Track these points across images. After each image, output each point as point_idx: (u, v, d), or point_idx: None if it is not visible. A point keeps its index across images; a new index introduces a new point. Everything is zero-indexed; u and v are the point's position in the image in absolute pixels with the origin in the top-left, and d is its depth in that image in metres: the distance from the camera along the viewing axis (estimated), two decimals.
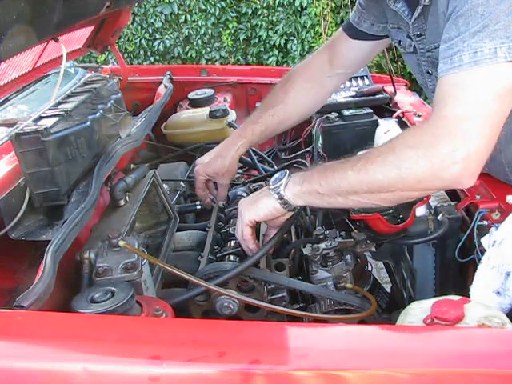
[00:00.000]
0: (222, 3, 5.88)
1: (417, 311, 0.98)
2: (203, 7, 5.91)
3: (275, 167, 2.16)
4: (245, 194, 1.68)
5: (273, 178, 1.23)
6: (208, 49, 6.12)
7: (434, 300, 0.97)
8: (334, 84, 1.65)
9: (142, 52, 6.28)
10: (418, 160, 1.02)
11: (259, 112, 1.62)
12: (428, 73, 1.37)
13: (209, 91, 2.34)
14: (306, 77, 1.62)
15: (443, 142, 1.01)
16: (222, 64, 5.86)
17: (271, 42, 5.75)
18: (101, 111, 1.46)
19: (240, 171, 2.19)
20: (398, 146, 1.07)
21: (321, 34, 5.28)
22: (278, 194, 1.20)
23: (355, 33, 1.54)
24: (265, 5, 5.69)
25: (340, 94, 2.19)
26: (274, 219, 1.25)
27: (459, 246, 1.26)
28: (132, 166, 1.76)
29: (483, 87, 1.01)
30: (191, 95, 2.33)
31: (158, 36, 6.16)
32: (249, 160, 2.14)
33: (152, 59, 6.28)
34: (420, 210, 1.28)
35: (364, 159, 1.11)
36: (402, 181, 1.05)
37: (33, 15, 1.14)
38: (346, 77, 1.70)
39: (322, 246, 1.34)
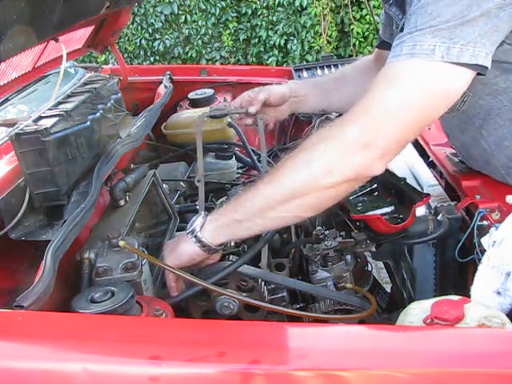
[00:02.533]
0: (222, 3, 5.88)
1: (417, 311, 0.98)
2: (203, 7, 5.91)
3: None
4: None
5: (190, 224, 1.16)
6: (208, 49, 6.12)
7: (433, 300, 0.97)
8: None
9: (142, 52, 6.28)
10: (327, 150, 1.00)
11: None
12: None
13: (209, 91, 2.33)
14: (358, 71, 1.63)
15: (351, 126, 0.99)
16: (222, 64, 5.86)
17: (271, 42, 5.75)
18: (101, 111, 1.46)
19: (240, 171, 2.19)
20: (309, 143, 1.04)
21: (321, 34, 5.27)
22: (195, 237, 1.13)
23: (381, 43, 1.55)
24: (265, 5, 5.69)
25: None
26: (202, 261, 1.20)
27: (459, 246, 1.26)
28: (132, 165, 1.76)
29: (412, 80, 0.99)
30: (191, 95, 2.33)
31: (158, 36, 6.16)
32: (249, 160, 2.14)
33: (152, 59, 6.28)
34: (420, 210, 1.28)
35: (273, 169, 1.08)
36: (314, 177, 1.01)
37: (33, 15, 1.14)
38: None
39: (322, 246, 1.34)
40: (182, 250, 1.16)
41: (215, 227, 1.13)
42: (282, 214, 1.06)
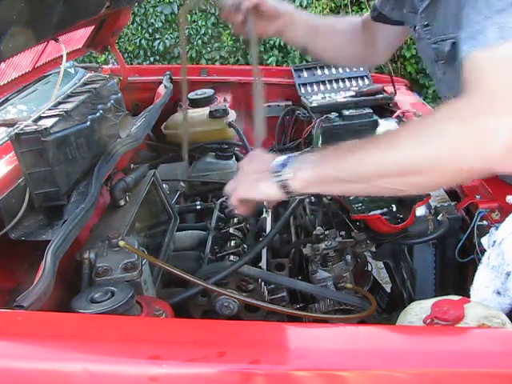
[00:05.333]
0: None
1: (417, 311, 0.98)
2: (203, 7, 5.91)
3: None
4: None
5: (275, 163, 1.07)
6: (208, 49, 6.12)
7: (433, 300, 0.97)
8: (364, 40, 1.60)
9: (141, 52, 6.28)
10: (460, 133, 0.91)
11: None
12: (436, 61, 1.32)
13: (209, 91, 2.33)
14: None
15: (486, 116, 0.91)
16: (222, 64, 5.86)
17: (271, 42, 5.75)
18: (101, 111, 1.46)
19: None
20: (434, 121, 0.95)
21: None
22: (280, 182, 1.05)
23: (377, 15, 1.52)
24: None
25: (340, 94, 2.19)
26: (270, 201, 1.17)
27: (459, 246, 1.26)
28: (132, 165, 1.76)
29: None
30: (191, 95, 2.33)
31: (158, 36, 6.15)
32: None
33: (152, 59, 6.28)
34: (420, 210, 1.28)
35: (390, 137, 0.99)
36: (439, 158, 0.92)
37: (33, 15, 1.14)
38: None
39: (322, 246, 1.34)
40: (261, 189, 1.09)
41: (308, 178, 1.04)
42: (390, 185, 0.98)
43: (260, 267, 1.30)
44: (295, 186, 1.05)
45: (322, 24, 1.61)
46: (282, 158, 1.08)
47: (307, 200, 1.63)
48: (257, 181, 1.10)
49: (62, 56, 1.44)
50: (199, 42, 6.05)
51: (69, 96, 1.49)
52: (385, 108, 2.10)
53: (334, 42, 1.58)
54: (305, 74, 2.38)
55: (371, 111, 1.99)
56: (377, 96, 2.10)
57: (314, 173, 1.03)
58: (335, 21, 1.66)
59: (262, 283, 1.27)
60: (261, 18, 1.44)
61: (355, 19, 1.64)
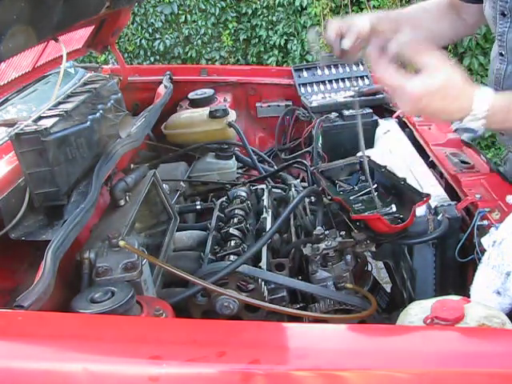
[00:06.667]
0: (222, 3, 5.87)
1: (417, 311, 0.98)
2: (203, 7, 5.90)
3: (275, 167, 2.16)
4: (244, 194, 1.68)
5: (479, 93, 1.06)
6: (208, 49, 6.11)
7: (433, 300, 0.97)
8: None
9: (142, 52, 6.27)
10: None
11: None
12: (502, 14, 1.32)
13: (209, 91, 2.34)
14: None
15: None
16: (222, 64, 5.86)
17: (271, 42, 5.75)
18: (101, 111, 1.46)
19: (240, 171, 2.20)
20: None
21: (321, 34, 5.28)
22: (474, 116, 1.06)
23: None
24: (265, 5, 5.69)
25: (340, 94, 2.19)
26: None
27: (459, 246, 1.26)
28: (132, 165, 1.76)
29: None
30: (191, 95, 2.33)
31: (158, 36, 6.15)
32: (249, 160, 2.14)
33: (152, 59, 6.28)
34: (420, 210, 1.28)
35: None
36: None
37: (33, 15, 1.14)
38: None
39: (322, 246, 1.34)
40: (452, 109, 1.07)
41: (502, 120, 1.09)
42: None
43: (260, 267, 1.30)
44: (484, 122, 1.06)
45: (404, 20, 1.55)
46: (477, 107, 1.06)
47: (307, 200, 1.63)
48: (451, 101, 1.06)
49: (61, 56, 1.44)
50: (199, 41, 6.05)
51: (69, 96, 1.49)
52: (385, 108, 2.10)
53: (418, 35, 1.46)
54: (305, 73, 2.38)
55: (371, 111, 1.99)
56: (377, 96, 2.10)
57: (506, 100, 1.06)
58: (415, 12, 1.60)
59: (262, 283, 1.27)
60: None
61: (434, 2, 1.61)
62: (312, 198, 1.63)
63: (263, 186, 1.78)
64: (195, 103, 2.30)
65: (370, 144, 1.73)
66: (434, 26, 1.59)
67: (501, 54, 1.37)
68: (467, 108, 1.07)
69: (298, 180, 2.02)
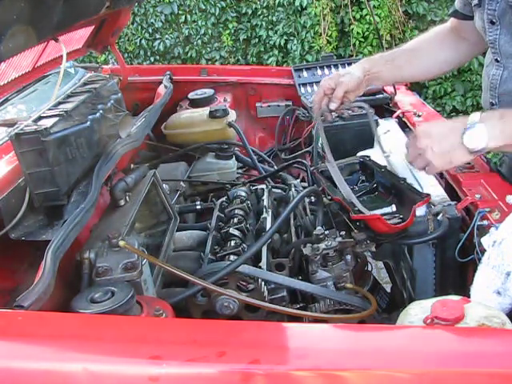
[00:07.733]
0: (222, 3, 5.87)
1: (417, 311, 0.98)
2: (203, 7, 5.90)
3: (275, 167, 2.16)
4: (244, 194, 1.68)
5: (467, 126, 1.17)
6: (208, 49, 6.11)
7: (433, 300, 0.97)
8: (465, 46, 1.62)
9: (142, 52, 6.27)
10: None
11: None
12: (491, 22, 1.36)
13: (209, 91, 2.34)
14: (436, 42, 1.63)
15: None
16: (222, 64, 5.86)
17: (271, 42, 5.74)
18: (101, 111, 1.46)
19: (240, 171, 2.20)
20: None
21: (321, 34, 5.26)
22: (473, 149, 1.16)
23: (458, 13, 1.55)
24: (265, 5, 5.69)
25: None
26: None
27: (459, 246, 1.26)
28: (132, 166, 1.76)
29: None
30: (191, 95, 2.33)
31: (158, 36, 6.15)
32: (249, 160, 2.14)
33: (152, 59, 6.27)
34: (420, 210, 1.28)
35: None
36: None
37: (33, 15, 1.14)
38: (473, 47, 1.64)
39: (322, 246, 1.34)
40: (456, 158, 1.20)
41: (500, 133, 1.15)
42: None
43: (260, 267, 1.30)
44: (491, 145, 1.15)
45: (402, 57, 1.62)
46: (468, 121, 1.17)
47: (307, 200, 1.63)
48: (449, 152, 1.20)
49: (61, 56, 1.44)
50: (199, 41, 6.05)
51: (69, 96, 1.49)
52: (385, 108, 2.10)
53: (421, 65, 1.63)
54: (305, 73, 2.38)
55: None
56: (377, 96, 2.10)
57: (506, 127, 1.15)
58: (414, 44, 1.66)
59: (262, 283, 1.27)
60: (350, 94, 1.53)
61: (436, 30, 1.66)
62: (312, 197, 1.63)
63: (263, 186, 1.78)
64: (195, 103, 2.30)
65: (370, 144, 1.73)
66: (437, 54, 1.62)
67: (496, 61, 1.40)
68: (461, 122, 1.18)
69: (298, 180, 2.02)
